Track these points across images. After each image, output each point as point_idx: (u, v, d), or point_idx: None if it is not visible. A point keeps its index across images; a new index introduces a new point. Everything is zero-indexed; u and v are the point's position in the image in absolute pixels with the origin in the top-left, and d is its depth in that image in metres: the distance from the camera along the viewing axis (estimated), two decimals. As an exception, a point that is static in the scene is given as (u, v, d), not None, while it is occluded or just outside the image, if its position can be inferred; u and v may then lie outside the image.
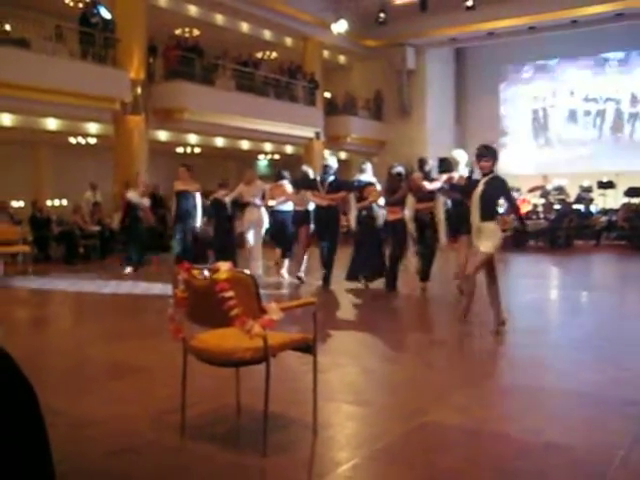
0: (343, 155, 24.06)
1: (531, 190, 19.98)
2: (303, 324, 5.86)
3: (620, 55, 24.08)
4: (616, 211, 18.39)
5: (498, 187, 6.26)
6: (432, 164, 9.67)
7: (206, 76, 17.87)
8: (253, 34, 20.64)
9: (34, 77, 13.02)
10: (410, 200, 8.95)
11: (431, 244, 9.09)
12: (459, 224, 8.26)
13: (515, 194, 19.91)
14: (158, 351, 5.65)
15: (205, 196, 11.89)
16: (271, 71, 21.23)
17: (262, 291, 3.36)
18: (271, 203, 10.76)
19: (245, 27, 20.26)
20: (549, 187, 20.23)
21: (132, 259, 11.77)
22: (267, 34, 21.19)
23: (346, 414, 4.06)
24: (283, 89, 20.93)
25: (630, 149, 23.83)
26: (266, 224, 10.82)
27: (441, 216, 8.74)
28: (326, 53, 23.41)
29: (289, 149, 22.60)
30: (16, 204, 16.22)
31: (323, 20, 20.88)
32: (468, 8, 19.43)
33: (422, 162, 9.68)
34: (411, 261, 9.53)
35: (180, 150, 20.25)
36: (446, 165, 9.07)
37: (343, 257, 10.23)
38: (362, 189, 9.78)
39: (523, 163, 25.55)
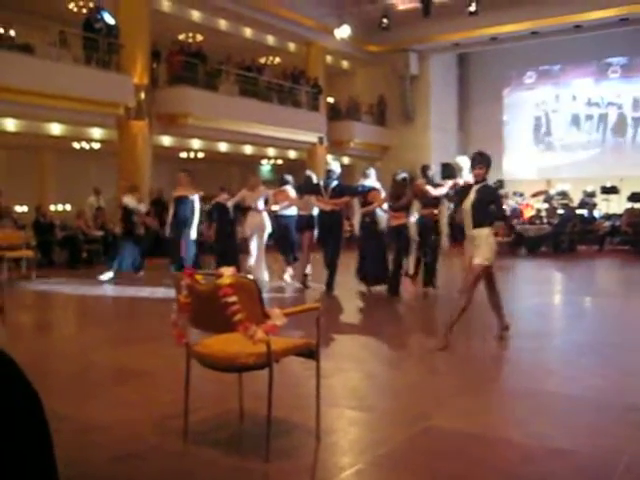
0: (346, 160, 24.07)
1: (534, 195, 20.00)
2: (306, 329, 5.86)
3: (623, 60, 24.08)
4: (619, 216, 18.38)
5: (490, 194, 6.18)
6: (435, 169, 9.72)
7: (209, 81, 17.91)
8: (256, 39, 20.69)
9: (38, 82, 13.06)
10: (416, 206, 9.02)
11: (434, 249, 9.13)
12: (463, 229, 8.27)
13: (518, 199, 19.99)
14: (161, 356, 5.65)
15: (206, 200, 11.86)
16: (274, 76, 21.26)
17: (265, 295, 3.37)
18: (275, 208, 10.77)
19: (248, 32, 20.31)
20: (552, 192, 20.23)
21: (113, 266, 11.32)
22: (270, 39, 21.23)
23: (349, 419, 4.06)
24: (286, 94, 20.96)
25: (633, 154, 23.83)
26: (269, 229, 10.82)
27: (445, 221, 8.80)
28: (329, 58, 23.45)
29: (292, 154, 22.63)
30: (20, 209, 16.24)
31: (326, 25, 20.93)
32: (471, 13, 19.43)
33: (425, 168, 9.80)
34: (409, 265, 9.62)
35: (184, 155, 20.29)
36: (449, 170, 9.15)
37: (346, 262, 10.23)
38: (366, 194, 9.81)
39: (526, 168, 25.58)
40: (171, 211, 10.89)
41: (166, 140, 18.09)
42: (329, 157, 22.01)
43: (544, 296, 10.02)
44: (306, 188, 10.35)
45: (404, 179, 9.50)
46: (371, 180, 10.28)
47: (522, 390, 4.65)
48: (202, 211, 11.57)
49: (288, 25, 20.10)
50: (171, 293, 3.75)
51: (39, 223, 14.14)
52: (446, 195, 8.47)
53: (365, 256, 9.76)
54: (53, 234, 14.28)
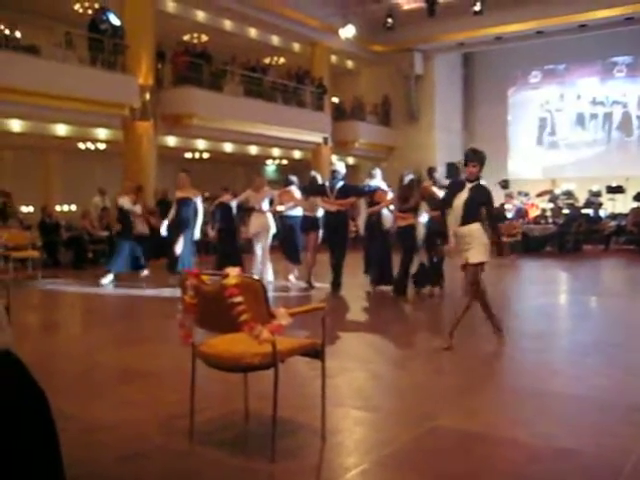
0: (351, 160, 24.07)
1: (540, 195, 19.97)
2: (312, 328, 5.87)
3: (629, 59, 24.01)
4: (625, 216, 18.34)
5: (484, 195, 5.99)
6: (440, 170, 9.73)
7: (214, 82, 17.93)
8: (261, 40, 20.70)
9: (44, 83, 13.10)
10: (424, 207, 9.03)
11: (440, 250, 9.13)
12: None
13: (523, 199, 19.96)
14: (167, 356, 5.67)
15: (210, 201, 11.84)
16: (279, 76, 21.27)
17: (270, 295, 3.38)
18: (280, 208, 10.78)
19: (253, 33, 20.32)
20: (558, 192, 20.21)
21: (112, 268, 11.16)
22: (275, 40, 21.24)
23: (354, 419, 4.06)
24: (291, 94, 20.96)
25: (639, 153, 23.75)
26: (273, 229, 10.83)
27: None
28: (334, 58, 23.44)
29: (297, 154, 22.63)
30: (25, 209, 16.30)
31: (331, 25, 20.92)
32: (476, 13, 19.40)
33: (431, 170, 9.84)
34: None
35: (189, 155, 20.31)
36: (454, 170, 9.15)
37: (352, 262, 10.24)
38: (372, 194, 9.82)
39: (531, 168, 25.53)
40: (172, 212, 10.84)
41: (171, 140, 18.12)
42: (334, 157, 22.01)
43: (549, 296, 10.00)
44: (311, 189, 10.36)
45: (411, 181, 9.52)
46: (377, 180, 10.29)
47: (527, 390, 4.65)
48: (206, 211, 11.57)
49: (293, 25, 20.10)
50: (176, 293, 3.75)
51: (45, 223, 14.17)
52: None
53: (371, 256, 9.80)
54: (58, 234, 14.32)
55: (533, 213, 19.18)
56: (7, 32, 13.63)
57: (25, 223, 13.80)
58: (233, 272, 3.25)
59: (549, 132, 25.72)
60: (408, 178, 9.57)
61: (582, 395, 4.51)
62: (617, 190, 20.16)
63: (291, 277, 10.78)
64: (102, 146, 17.28)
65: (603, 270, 14.46)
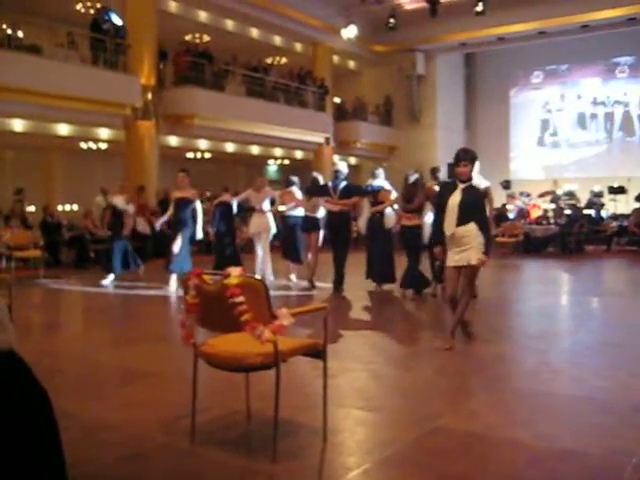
0: (353, 160, 24.08)
1: (542, 195, 19.96)
2: (314, 327, 5.88)
3: (631, 60, 23.99)
4: (627, 216, 18.32)
5: (478, 197, 5.88)
6: (443, 170, 9.73)
7: (216, 82, 17.94)
8: (263, 40, 20.72)
9: (46, 83, 13.12)
10: (428, 207, 9.03)
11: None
12: None
13: (525, 199, 19.95)
14: (168, 356, 5.67)
15: (211, 200, 11.81)
16: (281, 77, 21.28)
17: (272, 293, 3.37)
18: (282, 208, 10.79)
19: (255, 33, 20.34)
20: (559, 192, 20.20)
21: (113, 269, 11.13)
22: (277, 40, 21.26)
23: (356, 419, 4.05)
24: (293, 94, 20.97)
25: (641, 154, 23.76)
26: (273, 229, 10.84)
27: None
28: (336, 58, 23.45)
29: (299, 154, 22.64)
30: (28, 209, 16.29)
31: (333, 26, 20.93)
32: (478, 13, 19.40)
33: (435, 170, 9.85)
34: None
35: (190, 155, 20.32)
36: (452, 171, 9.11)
37: (355, 262, 10.24)
38: (376, 194, 9.84)
39: (533, 168, 25.54)
40: (170, 212, 10.61)
41: (173, 140, 18.13)
42: (335, 157, 22.03)
43: (551, 296, 9.99)
44: (314, 190, 10.37)
45: (416, 181, 9.54)
46: (380, 180, 10.29)
47: (529, 391, 4.64)
48: (207, 211, 11.54)
49: (295, 25, 20.12)
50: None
51: (47, 223, 14.18)
52: None
53: (374, 256, 9.81)
54: (60, 234, 14.32)
55: (535, 214, 19.17)
56: (9, 32, 13.64)
57: (30, 222, 13.83)
58: (235, 272, 3.25)
59: (551, 132, 25.71)
60: (413, 178, 9.58)
61: (584, 396, 4.50)
62: (619, 191, 20.15)
63: (292, 277, 10.78)
64: (104, 146, 17.30)
65: (605, 271, 14.44)
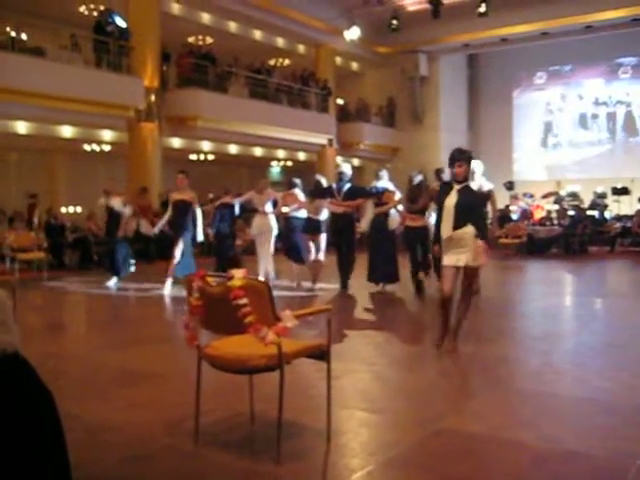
0: (356, 162, 24.07)
1: (545, 196, 19.94)
2: (318, 326, 5.89)
3: (634, 61, 23.96)
4: (631, 217, 18.30)
5: (474, 197, 5.80)
6: (448, 172, 9.72)
7: (219, 83, 17.96)
8: (266, 41, 20.74)
9: (49, 85, 13.15)
10: (432, 208, 9.05)
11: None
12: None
13: (528, 200, 19.94)
14: (172, 358, 5.68)
15: (213, 201, 11.79)
16: (284, 78, 21.29)
17: (275, 293, 3.38)
18: (285, 210, 10.80)
19: (258, 34, 20.36)
20: (563, 193, 20.18)
21: (117, 271, 11.17)
22: (280, 41, 21.28)
23: (360, 421, 4.05)
24: (296, 96, 20.98)
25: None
26: (275, 230, 10.85)
27: None
28: (339, 60, 23.46)
29: (302, 156, 22.65)
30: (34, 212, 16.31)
31: (336, 27, 20.94)
32: (481, 14, 19.38)
33: (439, 172, 9.85)
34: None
35: (193, 157, 20.34)
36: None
37: (358, 263, 10.25)
38: (381, 195, 9.86)
39: (536, 169, 25.52)
40: (168, 213, 10.50)
41: (176, 142, 18.15)
42: (339, 159, 22.03)
43: (555, 297, 9.98)
44: (318, 192, 10.40)
45: (421, 182, 9.56)
46: (384, 182, 10.30)
47: (532, 392, 4.64)
48: (208, 213, 11.54)
49: (297, 27, 20.13)
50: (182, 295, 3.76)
51: (50, 225, 14.20)
52: None
53: (376, 257, 9.83)
54: (64, 236, 14.35)
55: (538, 215, 19.15)
56: (13, 34, 13.69)
57: (37, 225, 13.89)
58: (238, 274, 3.25)
59: (554, 133, 25.67)
60: (417, 179, 9.61)
61: (588, 397, 4.50)
62: (622, 192, 20.12)
63: (295, 278, 10.79)
64: (107, 148, 17.33)
65: (609, 272, 14.42)
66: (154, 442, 3.64)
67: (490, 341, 6.34)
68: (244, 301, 3.18)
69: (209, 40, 19.80)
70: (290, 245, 10.83)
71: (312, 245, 10.49)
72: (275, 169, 24.36)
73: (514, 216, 18.36)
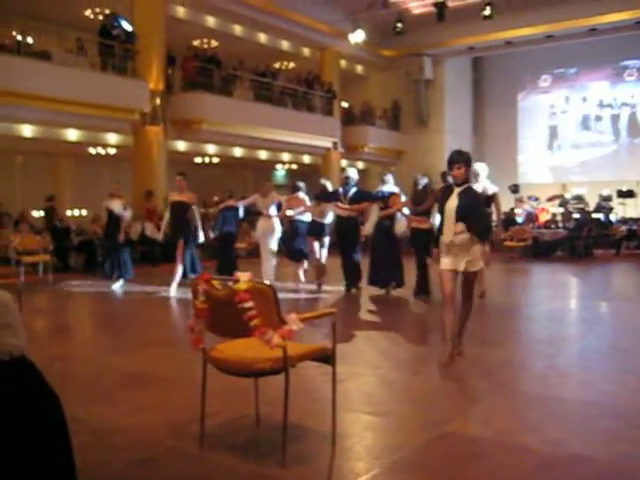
0: (361, 165, 24.07)
1: (550, 199, 19.91)
2: (323, 328, 5.89)
3: (639, 63, 23.90)
4: (636, 220, 18.26)
5: (476, 199, 5.63)
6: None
7: (224, 87, 17.98)
8: (271, 45, 20.76)
9: (55, 89, 13.19)
10: (436, 209, 9.05)
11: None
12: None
13: (534, 203, 19.91)
14: (178, 361, 5.68)
15: (216, 205, 11.82)
16: (289, 81, 21.31)
17: (280, 296, 3.38)
18: (289, 213, 10.83)
19: (263, 38, 20.39)
20: (568, 196, 20.14)
21: (122, 274, 11.17)
22: (285, 44, 21.31)
23: (365, 424, 4.06)
24: (301, 99, 21.00)
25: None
26: (279, 233, 10.87)
27: None
28: (343, 63, 23.47)
29: (307, 159, 22.65)
30: (36, 214, 16.37)
31: (340, 30, 20.96)
32: (485, 17, 19.37)
33: (445, 174, 9.81)
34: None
35: (198, 160, 20.37)
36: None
37: (362, 265, 10.27)
38: (387, 199, 9.88)
39: (542, 172, 25.47)
40: (167, 216, 10.45)
41: (181, 145, 18.19)
42: (343, 162, 22.03)
43: (560, 301, 9.97)
44: (325, 196, 10.43)
45: (426, 185, 9.57)
46: (389, 186, 10.31)
47: (537, 396, 4.64)
48: (212, 215, 11.56)
49: (302, 30, 20.16)
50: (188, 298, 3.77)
51: (56, 228, 14.24)
52: None
53: (380, 259, 9.83)
54: (69, 239, 14.38)
55: (543, 218, 19.13)
56: (19, 38, 13.74)
57: (36, 227, 13.89)
58: (244, 277, 3.26)
59: (560, 136, 25.63)
60: (423, 182, 9.61)
61: (593, 401, 4.49)
62: (628, 194, 20.07)
63: (301, 278, 10.82)
64: (112, 151, 17.36)
65: (614, 275, 14.39)
66: (160, 445, 3.65)
67: (495, 344, 6.33)
68: (250, 304, 3.19)
69: (214, 43, 19.83)
70: (292, 246, 10.87)
71: (316, 246, 10.53)
72: (280, 172, 24.37)
73: (519, 219, 18.33)
